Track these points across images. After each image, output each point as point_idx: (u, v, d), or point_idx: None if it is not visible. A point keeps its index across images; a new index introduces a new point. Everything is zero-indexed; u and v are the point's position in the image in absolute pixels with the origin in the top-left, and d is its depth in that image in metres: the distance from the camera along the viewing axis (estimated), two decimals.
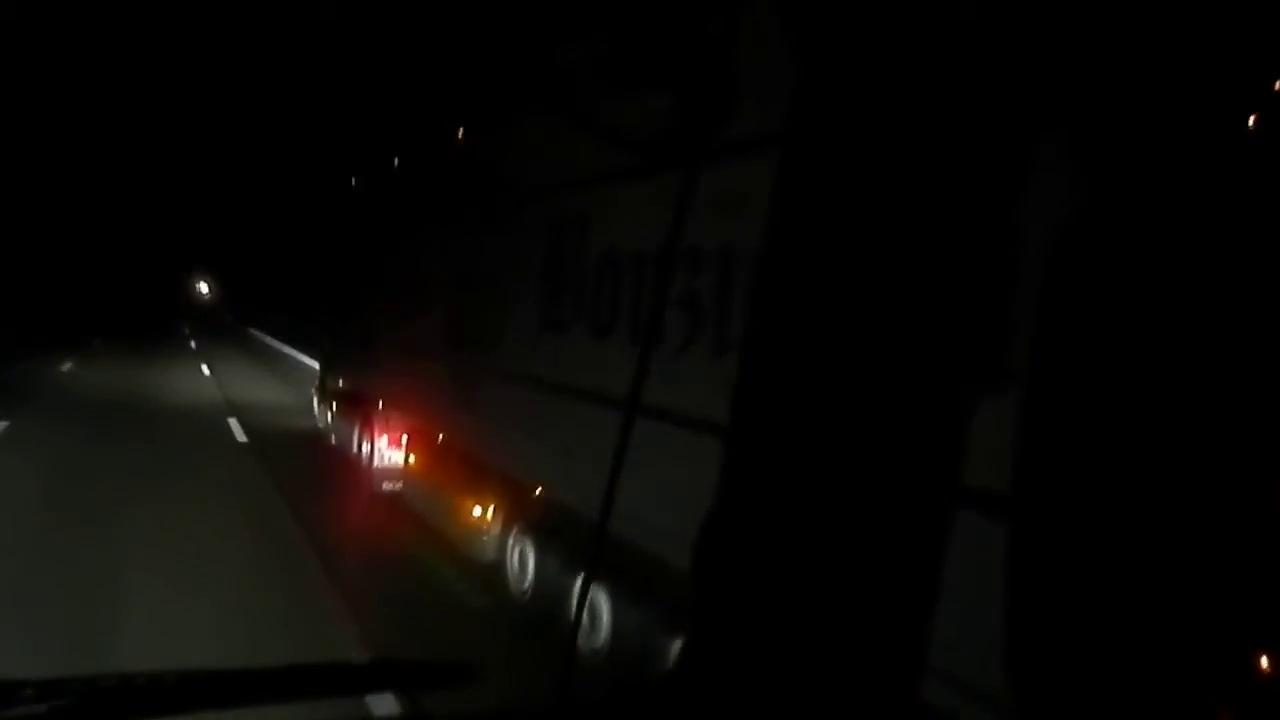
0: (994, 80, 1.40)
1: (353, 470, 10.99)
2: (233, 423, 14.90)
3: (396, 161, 10.39)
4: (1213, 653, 2.13)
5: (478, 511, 7.05)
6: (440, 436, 8.33)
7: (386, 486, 10.17)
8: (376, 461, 10.30)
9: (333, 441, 12.62)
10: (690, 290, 4.30)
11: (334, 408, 12.60)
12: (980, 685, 2.62)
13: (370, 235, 11.31)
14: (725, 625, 1.54)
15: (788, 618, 1.47)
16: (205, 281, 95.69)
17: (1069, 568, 2.13)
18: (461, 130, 8.09)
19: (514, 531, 6.71)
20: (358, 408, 11.21)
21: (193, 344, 34.59)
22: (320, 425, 13.76)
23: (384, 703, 2.15)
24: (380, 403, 10.31)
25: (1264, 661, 2.23)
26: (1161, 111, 2.07)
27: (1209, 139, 2.15)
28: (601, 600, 5.55)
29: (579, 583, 5.77)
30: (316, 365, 15.44)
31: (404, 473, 9.64)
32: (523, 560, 6.59)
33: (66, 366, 22.74)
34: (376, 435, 10.31)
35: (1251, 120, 2.18)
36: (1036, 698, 2.13)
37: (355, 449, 11.16)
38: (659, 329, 3.90)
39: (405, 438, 9.77)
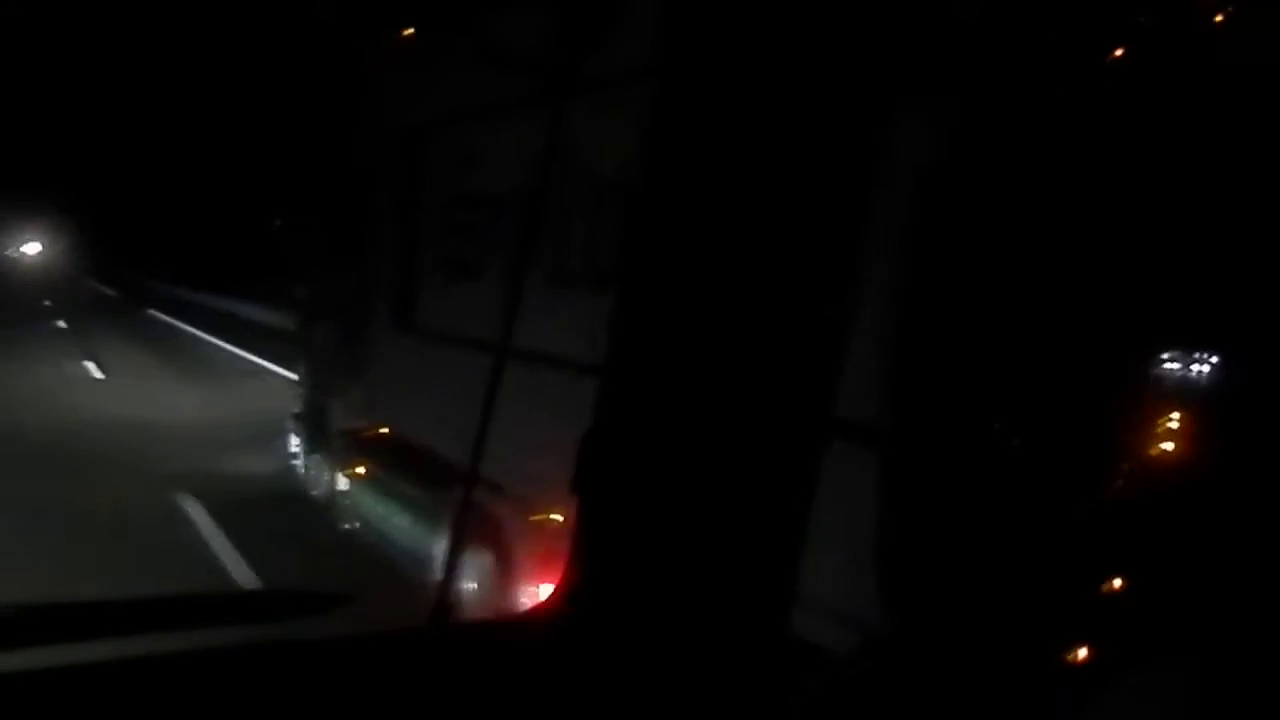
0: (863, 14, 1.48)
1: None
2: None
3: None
4: (1069, 579, 2.36)
5: None
6: None
7: None
8: None
9: (349, 525, 6.69)
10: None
11: (359, 469, 6.60)
12: (847, 609, 2.56)
13: None
14: (600, 556, 1.60)
15: (661, 545, 1.52)
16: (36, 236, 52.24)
17: (939, 499, 2.42)
18: None
19: None
20: (441, 496, 5.33)
21: None
22: (311, 488, 7.76)
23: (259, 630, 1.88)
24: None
25: (1115, 583, 2.39)
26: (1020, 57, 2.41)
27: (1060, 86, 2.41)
28: None
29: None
30: (292, 375, 9.31)
31: None
32: None
33: None
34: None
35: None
36: (903, 619, 2.42)
37: (441, 569, 5.33)
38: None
39: None
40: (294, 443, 8.26)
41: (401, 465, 5.95)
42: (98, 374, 15.22)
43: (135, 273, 40.88)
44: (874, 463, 2.59)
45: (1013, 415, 2.49)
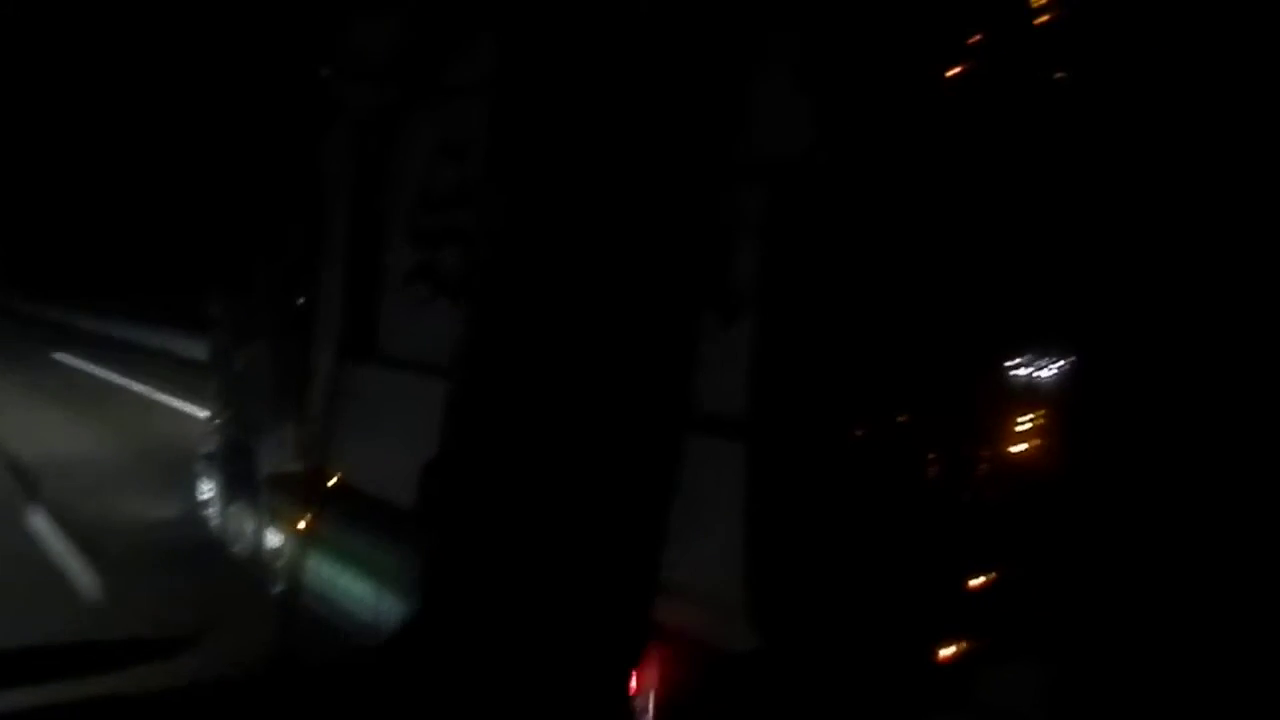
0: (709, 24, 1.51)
1: None
2: None
3: None
4: (937, 574, 2.41)
5: None
6: None
7: None
8: None
9: (281, 589, 5.60)
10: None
11: (297, 522, 5.48)
12: (721, 597, 2.61)
13: None
14: (457, 570, 1.59)
15: (520, 551, 1.50)
16: None
17: (803, 488, 2.44)
18: None
19: None
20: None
21: None
22: (229, 542, 6.59)
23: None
24: None
25: (974, 582, 2.43)
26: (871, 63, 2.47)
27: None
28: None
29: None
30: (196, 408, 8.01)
31: None
32: None
33: None
34: None
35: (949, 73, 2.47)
36: (772, 607, 2.40)
37: None
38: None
39: None
40: (205, 487, 7.10)
41: (354, 519, 4.92)
42: (86, 581, 6.18)
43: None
44: (742, 455, 2.61)
45: (878, 410, 2.54)
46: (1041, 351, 2.56)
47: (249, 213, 6.30)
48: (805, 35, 2.48)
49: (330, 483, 5.23)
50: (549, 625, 1.55)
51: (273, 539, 5.74)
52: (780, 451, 2.60)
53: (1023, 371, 2.57)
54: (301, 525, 5.40)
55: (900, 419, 2.53)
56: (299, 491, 5.50)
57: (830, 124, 2.51)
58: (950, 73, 2.51)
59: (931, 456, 2.53)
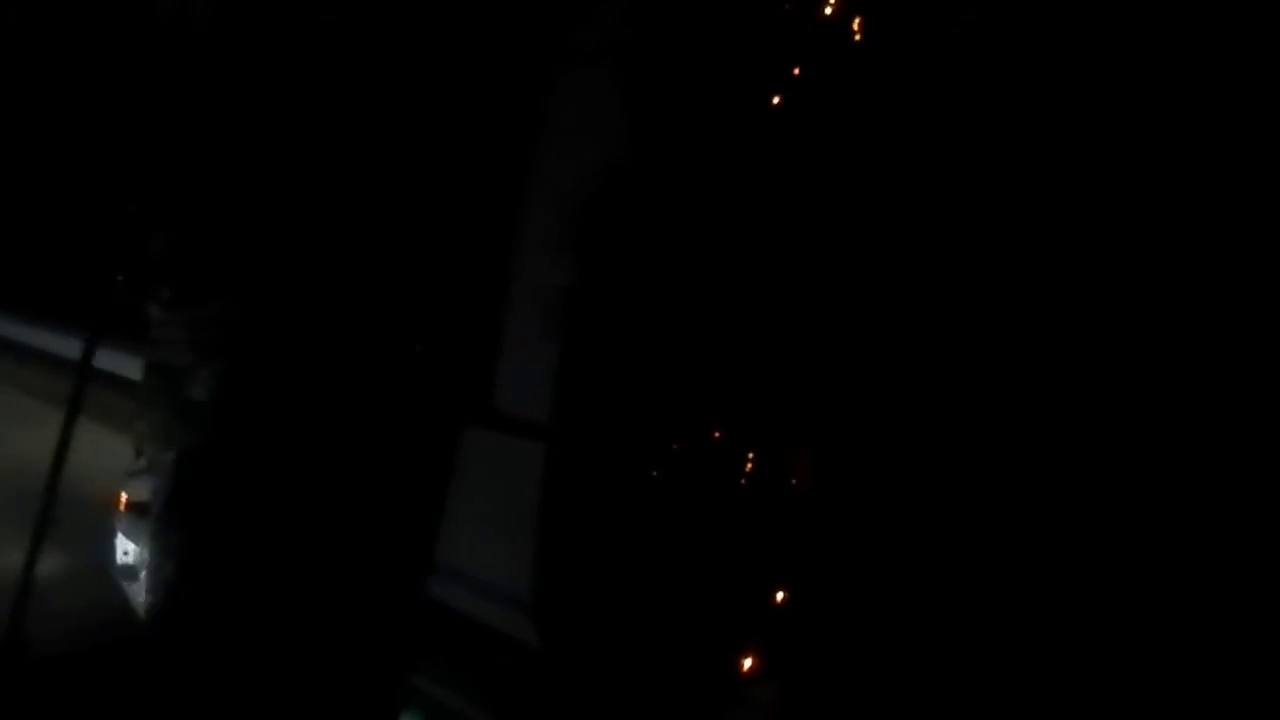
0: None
1: None
2: None
3: None
4: (736, 587, 2.43)
5: None
6: None
7: None
8: None
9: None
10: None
11: None
12: (511, 589, 2.65)
13: None
14: (201, 561, 1.63)
15: (268, 538, 1.54)
16: None
17: (599, 492, 2.47)
18: None
19: None
20: None
21: None
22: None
23: None
24: None
25: (779, 595, 2.43)
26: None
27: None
28: None
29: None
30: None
31: None
32: None
33: None
34: None
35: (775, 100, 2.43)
36: (558, 603, 2.44)
37: None
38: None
39: None
40: (125, 549, 5.27)
41: None
42: None
43: None
44: (540, 457, 2.67)
45: (677, 423, 2.57)
46: (837, 383, 2.61)
47: (229, 170, 4.51)
48: (620, 56, 2.53)
49: None
50: (301, 607, 1.58)
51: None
52: (578, 456, 2.67)
53: (816, 402, 2.63)
54: None
55: (708, 433, 2.57)
56: None
57: (644, 139, 2.54)
58: (772, 100, 2.55)
59: (731, 471, 2.57)
